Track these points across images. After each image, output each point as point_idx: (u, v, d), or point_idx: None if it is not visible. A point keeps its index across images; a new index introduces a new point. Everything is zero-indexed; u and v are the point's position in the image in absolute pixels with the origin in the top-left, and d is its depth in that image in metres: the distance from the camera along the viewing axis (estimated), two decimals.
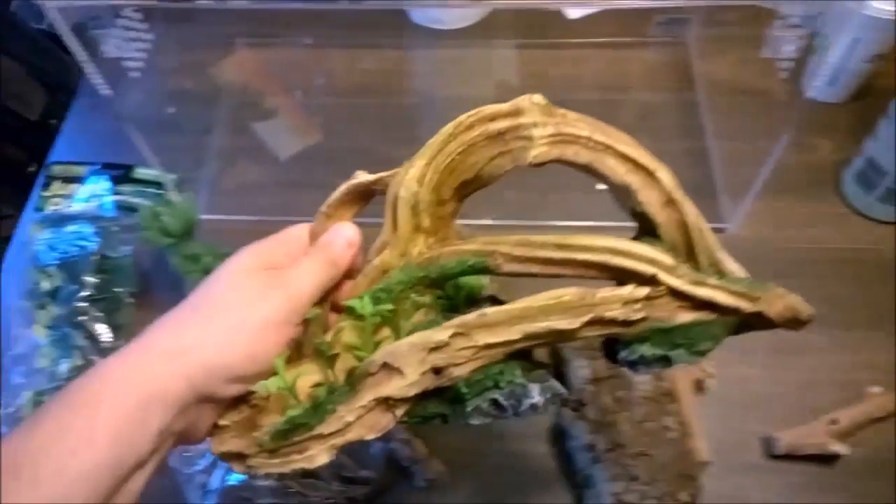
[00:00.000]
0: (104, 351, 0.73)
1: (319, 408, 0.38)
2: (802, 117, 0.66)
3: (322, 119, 0.95)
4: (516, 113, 0.38)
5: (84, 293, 0.76)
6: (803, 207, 0.81)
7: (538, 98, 0.39)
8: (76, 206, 0.86)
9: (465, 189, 0.41)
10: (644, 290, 0.37)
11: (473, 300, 0.43)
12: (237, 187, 0.88)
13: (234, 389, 0.38)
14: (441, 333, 0.37)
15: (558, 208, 0.82)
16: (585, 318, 0.37)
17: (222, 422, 0.39)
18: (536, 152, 0.38)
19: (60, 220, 0.82)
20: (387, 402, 0.38)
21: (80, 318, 0.74)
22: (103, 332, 0.74)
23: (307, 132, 0.93)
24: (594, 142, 0.38)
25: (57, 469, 0.32)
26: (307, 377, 0.40)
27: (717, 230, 0.78)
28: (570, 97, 0.90)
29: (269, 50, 1.01)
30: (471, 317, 0.37)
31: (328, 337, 0.41)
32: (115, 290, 0.77)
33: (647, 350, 0.38)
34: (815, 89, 0.62)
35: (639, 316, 0.37)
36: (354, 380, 0.39)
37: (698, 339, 0.38)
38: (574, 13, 0.98)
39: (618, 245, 0.38)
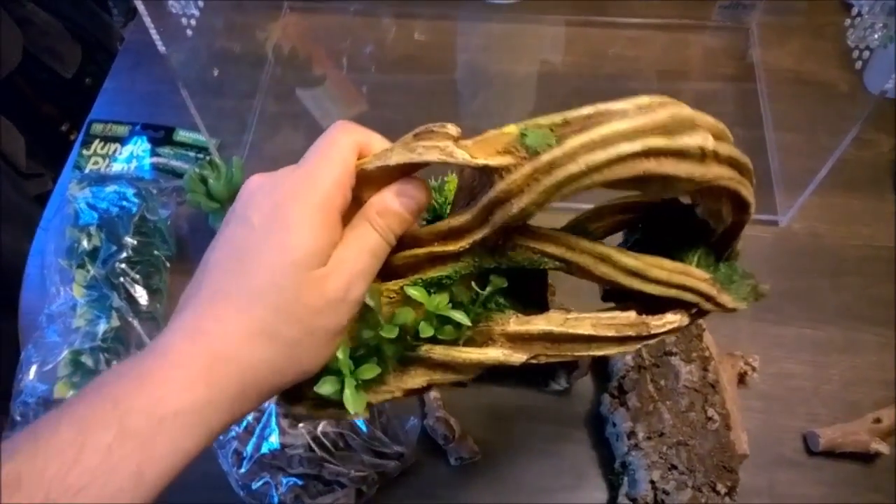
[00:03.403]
0: (141, 314, 0.76)
1: (368, 381, 0.40)
2: (871, 112, 0.67)
3: (368, 89, 0.97)
4: (683, 157, 0.36)
5: (123, 255, 0.78)
6: (858, 204, 0.83)
7: (705, 140, 0.36)
8: (116, 167, 0.90)
9: None
10: (687, 320, 0.42)
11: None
12: (279, 154, 0.91)
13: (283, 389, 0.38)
14: (517, 358, 0.40)
15: (606, 192, 0.84)
16: (638, 346, 0.42)
17: None
18: (672, 192, 0.40)
19: (101, 180, 0.85)
20: (434, 386, 0.42)
21: (119, 279, 0.77)
22: (141, 294, 0.77)
23: (352, 101, 0.96)
24: (721, 185, 0.38)
25: None
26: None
27: (768, 223, 0.81)
28: (626, 78, 0.94)
29: (317, 15, 1.04)
30: (536, 329, 0.40)
31: (377, 303, 0.40)
32: (154, 253, 0.80)
33: None
34: (887, 82, 0.64)
35: (671, 339, 0.44)
36: (406, 359, 0.40)
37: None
38: None
39: (688, 282, 0.41)
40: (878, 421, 0.66)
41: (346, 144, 0.38)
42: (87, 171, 0.90)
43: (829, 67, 0.90)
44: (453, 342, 0.41)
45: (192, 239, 0.84)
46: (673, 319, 0.42)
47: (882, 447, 0.65)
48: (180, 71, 0.73)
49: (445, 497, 0.68)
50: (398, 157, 0.37)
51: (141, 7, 0.62)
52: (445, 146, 0.36)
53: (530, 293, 0.43)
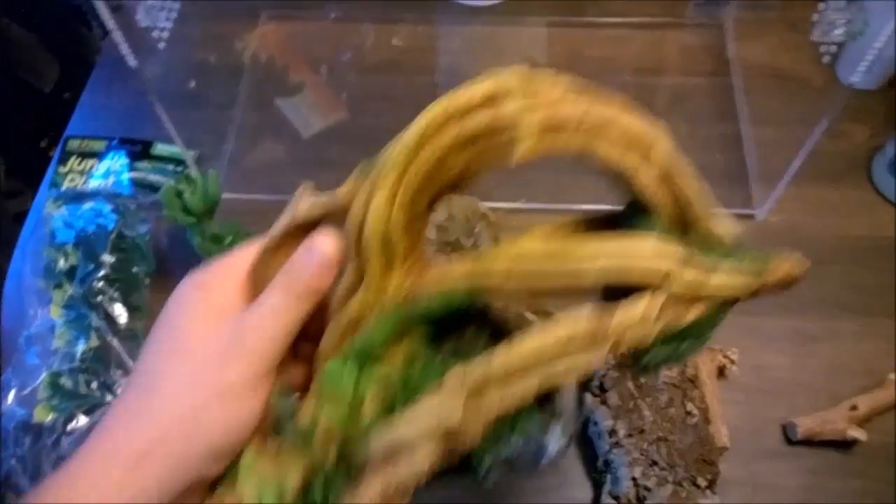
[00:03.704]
0: (120, 332, 0.76)
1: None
2: (842, 104, 0.69)
3: (348, 96, 0.98)
4: (493, 100, 0.33)
5: (101, 273, 0.78)
6: (834, 194, 0.85)
7: (517, 73, 0.34)
8: (93, 183, 0.90)
9: (442, 194, 0.36)
10: (660, 301, 0.35)
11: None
12: (259, 165, 0.91)
13: (222, 464, 0.35)
14: (453, 403, 0.34)
15: (586, 190, 0.83)
16: (605, 350, 0.35)
17: None
18: (523, 149, 0.34)
19: (77, 197, 0.85)
20: (397, 488, 0.35)
21: (97, 298, 0.77)
22: (120, 313, 0.77)
23: (332, 109, 0.96)
24: (586, 125, 0.34)
25: None
26: (291, 473, 0.36)
27: (746, 216, 0.82)
28: (604, 78, 0.94)
29: (294, 23, 1.04)
30: (477, 370, 0.35)
31: (302, 406, 0.37)
32: (133, 269, 0.80)
33: (655, 355, 0.37)
34: (853, 75, 0.66)
35: (656, 331, 0.35)
36: (352, 468, 0.35)
37: (706, 326, 0.37)
38: None
39: (626, 251, 0.35)
40: (854, 408, 0.67)
41: (248, 251, 0.39)
42: (63, 188, 0.90)
43: (803, 61, 0.91)
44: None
45: (172, 254, 0.84)
46: (639, 303, 0.35)
47: (859, 434, 0.66)
48: (154, 84, 0.74)
49: (429, 501, 0.69)
50: (278, 224, 0.37)
51: (109, 22, 0.63)
52: (308, 195, 0.37)
53: (480, 341, 0.40)
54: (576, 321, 0.35)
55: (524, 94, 0.34)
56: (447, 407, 0.34)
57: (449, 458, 0.35)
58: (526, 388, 0.35)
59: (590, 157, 0.35)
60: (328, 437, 0.35)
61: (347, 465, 0.35)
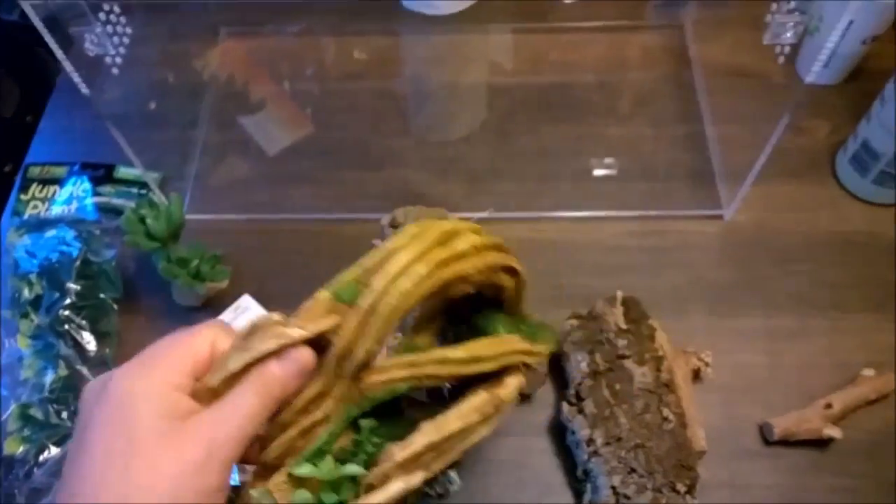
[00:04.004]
0: (90, 360, 0.75)
1: None
2: (802, 100, 0.69)
3: (312, 110, 0.97)
4: (463, 257, 0.44)
5: (67, 301, 0.77)
6: (799, 191, 0.85)
7: (473, 238, 0.45)
8: (56, 210, 0.89)
9: None
10: (523, 377, 0.51)
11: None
12: (224, 184, 0.91)
13: None
14: (417, 478, 0.43)
15: (554, 197, 0.86)
16: (498, 420, 0.48)
17: None
18: (468, 289, 0.46)
19: (39, 225, 0.84)
20: None
21: (63, 326, 0.76)
22: (88, 340, 0.76)
23: (297, 124, 0.95)
24: (497, 267, 0.48)
25: None
26: None
27: (713, 217, 0.83)
28: (567, 82, 0.95)
29: (255, 39, 1.04)
30: (420, 446, 0.43)
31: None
32: (100, 296, 0.79)
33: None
34: (811, 72, 0.66)
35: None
36: None
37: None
38: None
39: (509, 347, 0.50)
40: (829, 406, 0.68)
41: (197, 333, 0.39)
42: (26, 216, 0.88)
43: (763, 59, 0.91)
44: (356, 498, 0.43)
45: (139, 278, 0.83)
46: (514, 381, 0.50)
47: (834, 432, 0.67)
48: (110, 109, 0.73)
49: None
50: (236, 363, 0.38)
51: (59, 52, 0.62)
52: (278, 332, 0.39)
53: (392, 417, 0.47)
54: (480, 398, 0.47)
55: (475, 251, 0.45)
56: (414, 478, 0.43)
57: None
58: (454, 453, 0.46)
59: (491, 284, 0.49)
60: None
61: None
